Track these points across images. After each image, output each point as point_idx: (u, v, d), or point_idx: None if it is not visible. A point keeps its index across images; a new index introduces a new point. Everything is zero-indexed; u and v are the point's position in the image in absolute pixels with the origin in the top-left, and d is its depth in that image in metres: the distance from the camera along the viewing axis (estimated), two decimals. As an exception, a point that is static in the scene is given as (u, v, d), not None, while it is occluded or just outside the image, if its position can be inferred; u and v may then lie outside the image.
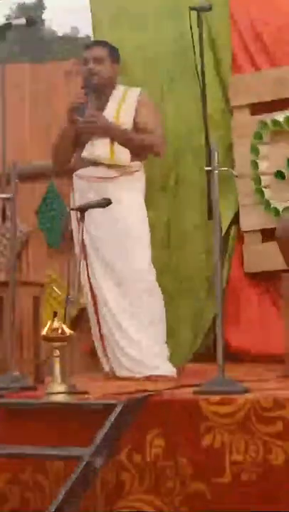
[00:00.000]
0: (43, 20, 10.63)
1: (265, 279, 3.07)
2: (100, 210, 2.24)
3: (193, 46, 2.19)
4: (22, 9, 10.13)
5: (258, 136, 2.96)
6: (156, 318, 2.59)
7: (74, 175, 2.57)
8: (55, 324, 2.03)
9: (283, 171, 2.88)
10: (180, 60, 2.96)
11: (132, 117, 2.55)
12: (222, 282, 2.35)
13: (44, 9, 11.36)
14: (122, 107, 2.60)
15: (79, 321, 2.97)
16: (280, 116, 2.86)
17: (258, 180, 2.98)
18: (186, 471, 1.87)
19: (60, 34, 11.62)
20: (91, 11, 3.35)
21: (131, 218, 2.55)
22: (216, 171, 1.91)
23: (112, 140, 2.50)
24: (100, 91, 2.55)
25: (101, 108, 2.55)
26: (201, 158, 2.30)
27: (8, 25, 2.36)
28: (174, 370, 2.49)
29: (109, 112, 2.55)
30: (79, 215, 2.19)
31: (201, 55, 2.18)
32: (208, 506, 1.81)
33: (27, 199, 3.22)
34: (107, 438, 1.82)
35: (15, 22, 2.57)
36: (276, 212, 2.89)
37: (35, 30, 8.31)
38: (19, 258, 3.15)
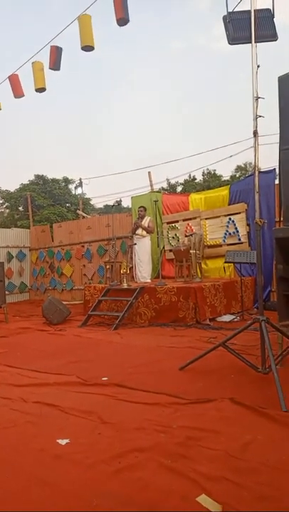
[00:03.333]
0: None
1: (170, 261, 10.19)
2: (138, 244, 9.02)
3: (155, 208, 9.26)
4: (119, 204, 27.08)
5: (168, 229, 10.41)
6: (149, 270, 9.25)
7: (134, 236, 8.94)
8: (125, 270, 8.51)
9: (173, 237, 10.23)
10: (153, 207, 9.55)
11: (147, 223, 9.06)
12: (160, 260, 9.61)
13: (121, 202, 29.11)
14: (145, 221, 8.91)
15: (131, 270, 9.06)
16: (173, 224, 10.36)
17: (168, 238, 10.35)
18: (152, 303, 7.51)
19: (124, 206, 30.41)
20: (132, 204, 10.14)
21: (147, 249, 8.92)
22: (158, 236, 9.08)
23: (142, 229, 8.87)
24: (141, 218, 9.13)
25: (141, 221, 9.05)
26: (156, 233, 9.26)
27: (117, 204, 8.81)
28: (150, 280, 8.81)
29: (143, 223, 9.01)
30: (133, 245, 9.09)
31: (158, 209, 9.50)
32: (158, 316, 7.39)
33: (118, 244, 10.45)
34: (136, 295, 7.61)
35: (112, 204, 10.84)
36: (172, 246, 9.99)
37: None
38: (116, 257, 9.76)
